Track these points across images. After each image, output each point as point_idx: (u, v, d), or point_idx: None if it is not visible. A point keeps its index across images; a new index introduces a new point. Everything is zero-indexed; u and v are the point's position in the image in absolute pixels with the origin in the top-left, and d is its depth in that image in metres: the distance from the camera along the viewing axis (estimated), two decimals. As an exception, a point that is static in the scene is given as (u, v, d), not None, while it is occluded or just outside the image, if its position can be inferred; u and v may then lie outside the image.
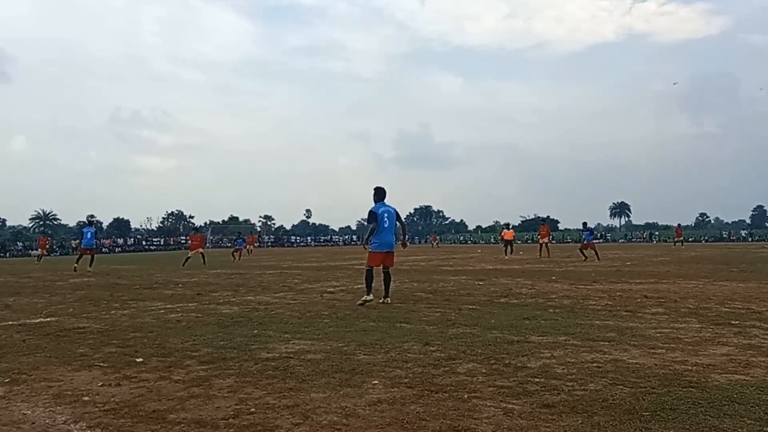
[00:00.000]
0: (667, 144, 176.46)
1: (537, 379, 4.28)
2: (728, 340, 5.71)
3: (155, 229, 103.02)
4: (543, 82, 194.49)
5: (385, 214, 9.37)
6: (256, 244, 45.25)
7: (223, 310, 8.61)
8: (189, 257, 23.77)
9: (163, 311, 8.64)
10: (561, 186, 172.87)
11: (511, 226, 35.72)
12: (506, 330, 6.41)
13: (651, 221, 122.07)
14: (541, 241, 27.43)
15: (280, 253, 41.16)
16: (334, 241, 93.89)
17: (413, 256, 30.04)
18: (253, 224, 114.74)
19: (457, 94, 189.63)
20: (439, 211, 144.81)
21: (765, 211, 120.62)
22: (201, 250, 24.74)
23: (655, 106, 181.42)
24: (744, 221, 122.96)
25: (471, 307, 8.50)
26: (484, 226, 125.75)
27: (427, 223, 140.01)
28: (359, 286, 12.36)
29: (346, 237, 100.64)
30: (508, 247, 28.69)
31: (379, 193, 9.59)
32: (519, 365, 4.74)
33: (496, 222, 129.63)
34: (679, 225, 48.44)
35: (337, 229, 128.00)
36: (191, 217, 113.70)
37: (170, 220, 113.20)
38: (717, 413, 3.43)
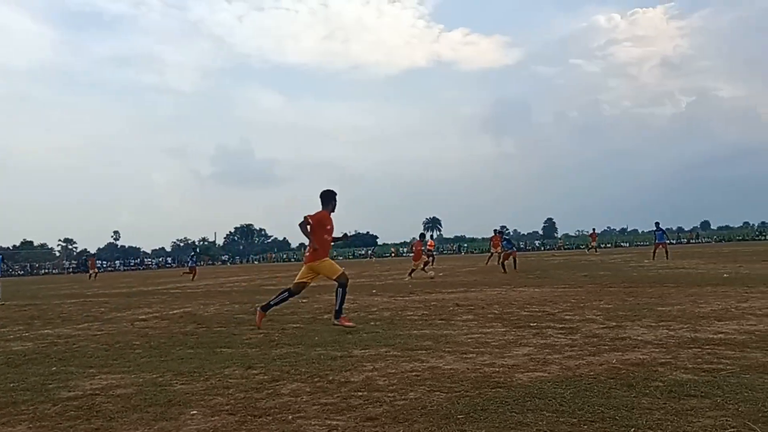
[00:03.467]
0: (472, 163, 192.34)
1: (360, 393, 4.34)
2: (528, 341, 6.29)
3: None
4: (363, 102, 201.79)
5: None
6: (97, 269, 41.59)
7: (14, 347, 7.59)
8: (414, 269, 20.33)
9: (-66, 354, 7.38)
10: (381, 202, 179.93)
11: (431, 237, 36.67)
12: (330, 346, 6.44)
13: (459, 234, 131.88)
14: (493, 250, 28.25)
15: (84, 280, 37.50)
16: (146, 265, 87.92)
17: (234, 276, 29.13)
18: (51, 249, 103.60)
19: (278, 111, 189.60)
20: (261, 230, 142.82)
21: (554, 222, 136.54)
22: (419, 262, 20.48)
23: (462, 127, 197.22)
24: (537, 232, 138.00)
25: (295, 325, 8.43)
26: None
27: (248, 242, 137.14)
28: (175, 311, 11.69)
29: (161, 260, 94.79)
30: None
31: None
32: (342, 380, 4.78)
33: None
34: (594, 230, 51.32)
35: (149, 252, 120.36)
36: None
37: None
38: (521, 409, 3.74)
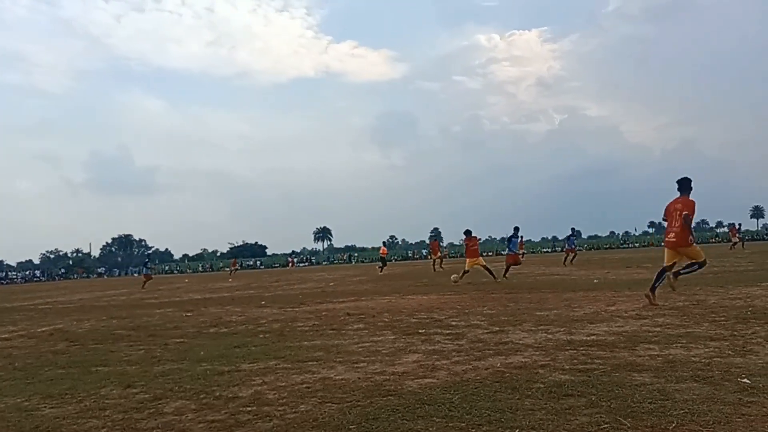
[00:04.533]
0: (362, 173, 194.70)
1: (249, 408, 4.21)
2: (417, 347, 6.40)
3: None
4: (250, 110, 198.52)
5: None
6: None
7: None
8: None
9: None
10: (269, 212, 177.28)
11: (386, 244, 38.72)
12: (216, 361, 6.20)
13: (350, 244, 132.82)
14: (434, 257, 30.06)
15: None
16: (10, 278, 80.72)
17: (112, 290, 27.42)
18: None
19: (160, 117, 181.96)
20: (141, 240, 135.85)
21: (440, 232, 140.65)
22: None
23: (351, 138, 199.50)
24: (425, 241, 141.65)
25: (178, 340, 8.05)
26: (191, 255, 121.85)
27: (127, 253, 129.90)
28: (43, 329, 10.81)
29: (28, 273, 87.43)
30: (381, 263, 30.85)
31: None
32: (230, 396, 4.61)
33: (204, 249, 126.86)
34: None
35: (14, 264, 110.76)
36: None
37: None
38: (412, 416, 3.78)
